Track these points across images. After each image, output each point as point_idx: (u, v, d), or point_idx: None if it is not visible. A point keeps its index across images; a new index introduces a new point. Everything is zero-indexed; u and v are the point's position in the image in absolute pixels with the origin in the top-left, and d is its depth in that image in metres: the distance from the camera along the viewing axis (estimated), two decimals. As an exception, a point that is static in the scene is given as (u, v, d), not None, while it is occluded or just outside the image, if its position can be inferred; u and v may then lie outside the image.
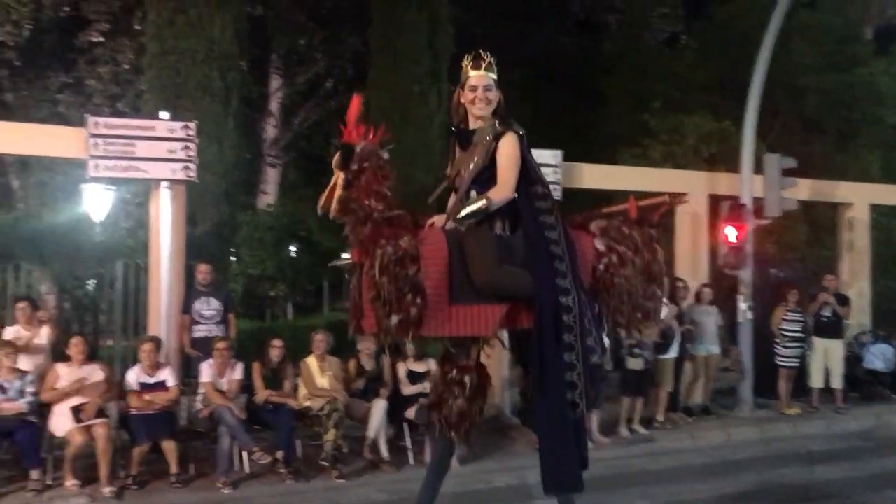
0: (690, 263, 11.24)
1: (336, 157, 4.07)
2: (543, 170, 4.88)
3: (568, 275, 4.11)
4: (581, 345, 4.09)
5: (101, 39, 13.79)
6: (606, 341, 5.32)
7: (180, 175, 8.61)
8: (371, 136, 4.15)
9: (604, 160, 12.52)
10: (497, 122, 4.26)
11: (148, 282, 8.98)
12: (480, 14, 16.42)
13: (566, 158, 10.55)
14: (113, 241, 12.67)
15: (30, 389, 7.07)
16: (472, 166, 4.21)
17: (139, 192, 14.49)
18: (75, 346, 7.31)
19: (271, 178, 18.76)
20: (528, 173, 4.22)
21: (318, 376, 7.98)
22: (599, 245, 4.40)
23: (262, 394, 7.77)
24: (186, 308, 8.74)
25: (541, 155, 8.34)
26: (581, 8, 20.46)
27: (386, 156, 4.20)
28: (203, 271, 8.90)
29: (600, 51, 19.78)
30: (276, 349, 8.08)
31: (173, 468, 7.20)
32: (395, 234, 4.03)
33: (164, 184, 8.61)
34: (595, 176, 11.25)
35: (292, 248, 16.43)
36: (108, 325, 10.81)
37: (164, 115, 8.80)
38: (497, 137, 4.19)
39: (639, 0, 20.40)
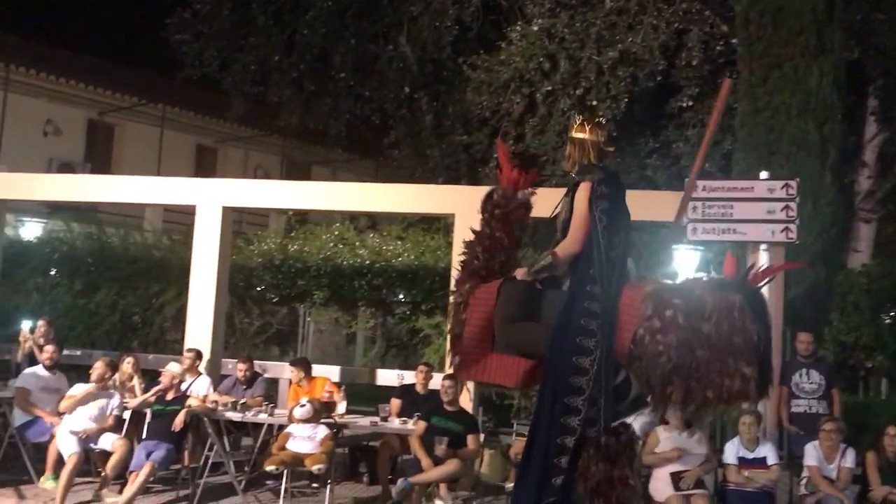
0: None
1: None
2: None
3: (596, 335, 3.87)
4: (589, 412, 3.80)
5: (690, 104, 14.13)
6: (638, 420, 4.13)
7: (779, 237, 8.17)
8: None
9: None
10: (579, 166, 4.25)
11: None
12: None
13: None
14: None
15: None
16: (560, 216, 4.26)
17: (720, 252, 14.44)
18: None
19: (864, 235, 16.96)
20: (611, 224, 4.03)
21: None
22: (646, 308, 3.81)
23: (879, 490, 6.76)
24: (785, 380, 8.17)
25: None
26: None
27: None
28: (805, 341, 8.27)
29: None
30: (891, 437, 7.00)
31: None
32: (464, 280, 4.33)
33: (762, 246, 8.25)
34: None
35: (892, 313, 14.50)
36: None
37: (763, 174, 8.49)
38: (574, 187, 4.18)
39: None
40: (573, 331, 3.91)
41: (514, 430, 8.83)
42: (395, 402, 8.73)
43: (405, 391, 8.99)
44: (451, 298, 4.44)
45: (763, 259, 8.24)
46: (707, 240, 8.49)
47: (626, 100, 14.36)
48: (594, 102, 14.35)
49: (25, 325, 9.86)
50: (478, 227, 4.57)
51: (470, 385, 8.10)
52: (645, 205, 9.23)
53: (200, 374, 9.08)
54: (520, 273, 4.23)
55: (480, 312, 4.20)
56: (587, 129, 4.31)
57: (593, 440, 3.85)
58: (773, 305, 8.25)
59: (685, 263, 13.22)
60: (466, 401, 8.40)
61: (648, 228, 14.67)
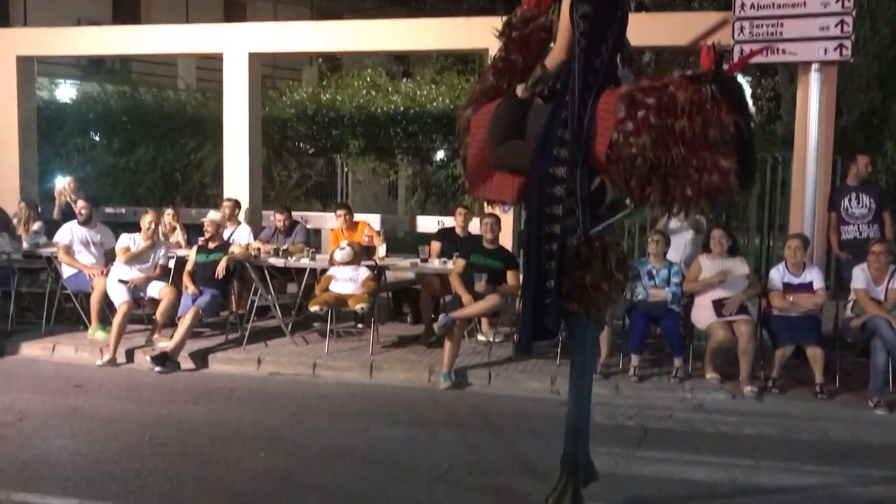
0: None
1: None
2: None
3: (570, 145, 3.75)
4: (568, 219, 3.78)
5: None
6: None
7: (833, 56, 7.69)
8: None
9: None
10: None
11: (790, 177, 8.40)
12: None
13: None
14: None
15: (675, 279, 7.18)
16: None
17: (772, 86, 13.85)
18: (719, 238, 7.14)
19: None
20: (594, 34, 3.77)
21: None
22: (620, 111, 3.62)
23: (929, 308, 6.62)
24: (834, 206, 7.92)
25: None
26: None
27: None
28: (863, 162, 7.95)
29: None
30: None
31: (818, 377, 6.64)
32: (468, 105, 4.28)
33: (813, 67, 7.80)
34: None
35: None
36: (742, 221, 10.58)
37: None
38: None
39: None
40: (550, 141, 3.85)
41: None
42: (435, 245, 8.73)
43: (445, 234, 8.97)
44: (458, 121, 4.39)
45: (814, 81, 7.83)
46: (755, 62, 8.01)
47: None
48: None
49: (59, 181, 9.95)
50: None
51: (509, 223, 8.03)
52: (684, 28, 8.73)
53: (240, 223, 9.15)
54: (519, 90, 4.11)
55: (480, 133, 4.17)
56: None
57: (572, 249, 3.84)
58: (824, 133, 7.95)
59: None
60: (507, 238, 8.35)
61: (688, 52, 14.12)
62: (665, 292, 7.15)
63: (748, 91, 3.68)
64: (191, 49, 10.45)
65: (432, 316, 8.14)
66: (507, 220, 8.35)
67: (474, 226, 8.55)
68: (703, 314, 7.07)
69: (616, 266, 3.91)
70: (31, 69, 10.55)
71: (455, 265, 7.68)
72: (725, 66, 3.66)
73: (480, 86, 4.36)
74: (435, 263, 8.27)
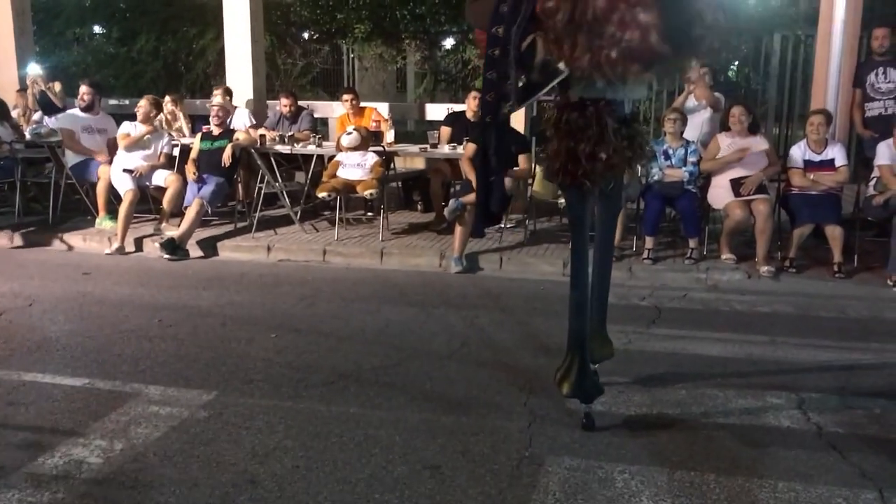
0: None
1: None
2: None
3: (510, 2, 3.42)
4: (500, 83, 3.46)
5: None
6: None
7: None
8: None
9: None
10: None
11: (813, 56, 8.06)
12: None
13: None
14: (768, 13, 11.76)
15: (692, 159, 6.97)
16: None
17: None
18: (739, 115, 6.88)
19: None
20: None
21: None
22: None
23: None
24: (858, 82, 7.61)
25: None
26: None
27: None
28: (880, 36, 7.57)
29: None
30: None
31: (836, 256, 6.51)
32: None
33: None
34: None
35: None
36: (761, 107, 10.26)
37: None
38: None
39: None
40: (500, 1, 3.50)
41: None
42: (445, 130, 8.49)
43: (455, 118, 8.72)
44: None
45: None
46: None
47: None
48: None
49: (31, 68, 9.53)
50: None
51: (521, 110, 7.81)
52: None
53: (236, 107, 8.92)
54: None
55: None
56: None
57: (555, 117, 3.60)
58: (852, 5, 7.55)
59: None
60: (518, 121, 8.11)
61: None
62: (682, 172, 6.96)
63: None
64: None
65: (443, 203, 8.00)
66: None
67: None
68: (720, 194, 6.89)
69: (618, 133, 3.56)
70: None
71: (466, 149, 7.48)
72: None
73: None
74: (445, 149, 8.07)
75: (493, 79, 3.53)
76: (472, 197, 7.07)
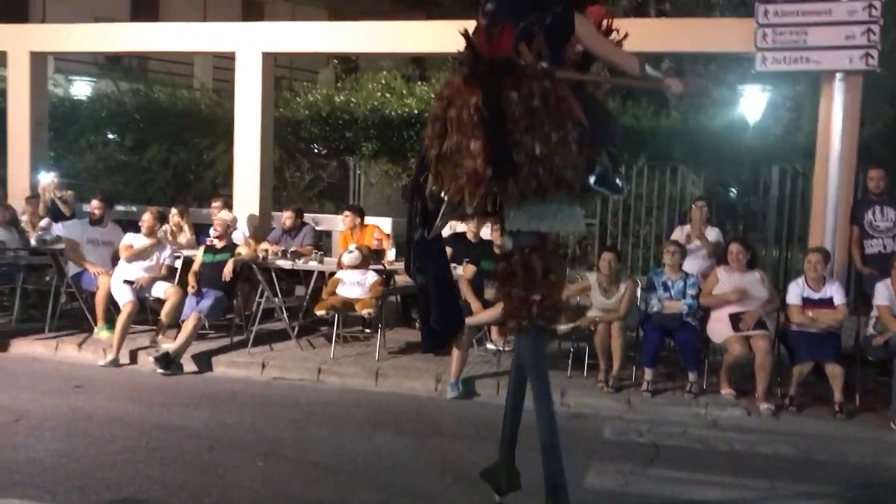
0: None
1: None
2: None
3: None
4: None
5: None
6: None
7: (858, 64, 7.50)
8: None
9: None
10: None
11: (811, 188, 8.20)
12: None
13: None
14: (766, 145, 12.05)
15: (691, 292, 6.98)
16: None
17: (794, 96, 13.60)
18: (737, 253, 6.94)
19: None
20: None
21: None
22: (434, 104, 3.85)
23: (955, 327, 6.39)
24: (857, 218, 7.70)
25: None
26: None
27: None
28: (875, 177, 7.72)
29: None
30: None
31: (837, 395, 6.41)
32: None
33: (837, 76, 7.60)
34: None
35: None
36: (760, 233, 10.38)
37: (844, -6, 7.70)
38: None
39: None
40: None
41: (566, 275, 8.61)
42: (447, 250, 8.55)
43: (456, 238, 8.77)
44: None
45: (837, 91, 7.63)
46: (779, 70, 7.80)
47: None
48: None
49: (43, 176, 9.72)
50: None
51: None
52: (718, 36, 8.57)
53: (235, 218, 9.00)
54: None
55: None
56: None
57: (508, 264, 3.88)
58: (847, 144, 7.74)
59: (752, 105, 12.52)
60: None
61: (713, 67, 13.92)
62: (681, 304, 6.96)
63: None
64: (203, 47, 10.37)
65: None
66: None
67: (487, 231, 8.37)
68: (719, 328, 6.87)
69: (546, 275, 3.84)
70: (44, 65, 10.50)
71: (465, 271, 7.52)
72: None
73: None
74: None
75: (408, 209, 4.09)
76: (471, 320, 7.08)
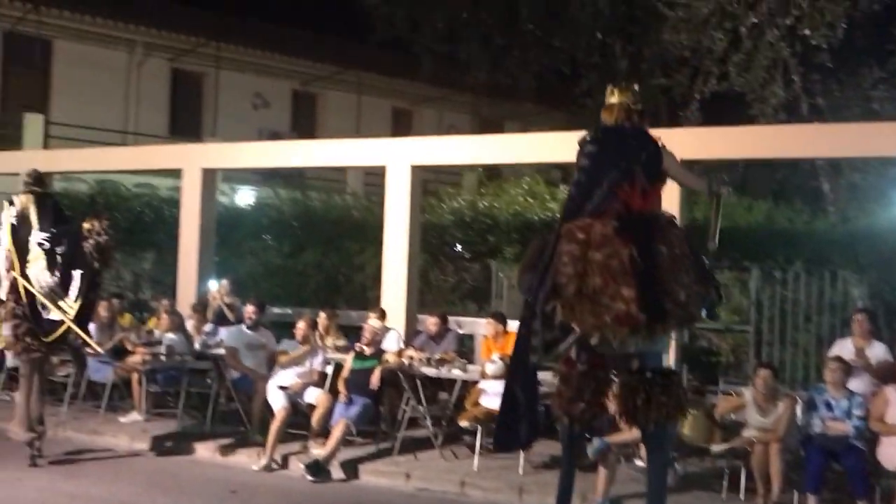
0: None
1: None
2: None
3: (537, 272, 4.39)
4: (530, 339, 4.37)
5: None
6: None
7: None
8: None
9: None
10: None
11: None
12: None
13: None
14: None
15: (857, 412, 6.52)
16: None
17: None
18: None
19: None
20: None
21: None
22: (561, 245, 4.29)
23: None
24: None
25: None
26: None
27: None
28: None
29: None
30: None
31: None
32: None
33: None
34: None
35: None
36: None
37: None
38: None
39: None
40: (530, 272, 4.55)
41: (719, 388, 8.26)
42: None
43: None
44: None
45: None
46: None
47: (845, 26, 12.92)
48: (807, 32, 13.04)
49: (212, 284, 10.41)
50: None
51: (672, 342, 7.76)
52: (869, 139, 8.26)
53: (388, 329, 9.25)
54: None
55: None
56: (616, 92, 4.87)
57: (559, 370, 4.62)
58: None
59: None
60: (669, 358, 7.95)
61: (873, 165, 13.27)
62: (846, 426, 6.50)
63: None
64: (357, 162, 11.00)
65: (586, 436, 7.79)
66: (668, 337, 7.98)
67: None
68: (892, 453, 6.35)
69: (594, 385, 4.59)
70: (214, 179, 11.40)
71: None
72: None
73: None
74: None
75: (522, 333, 4.46)
76: (617, 437, 6.88)
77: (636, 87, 4.99)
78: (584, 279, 4.12)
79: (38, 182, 7.65)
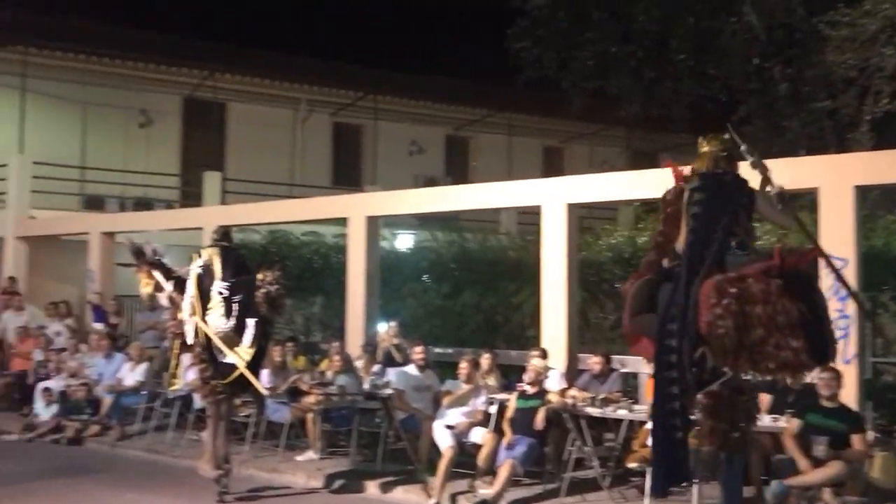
0: None
1: None
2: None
3: (678, 322, 4.72)
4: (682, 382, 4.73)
5: None
6: None
7: None
8: None
9: None
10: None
11: None
12: None
13: None
14: None
15: None
16: None
17: None
18: None
19: None
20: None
21: None
22: (711, 298, 4.56)
23: None
24: None
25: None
26: None
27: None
28: None
29: None
30: None
31: None
32: (631, 278, 5.50)
33: None
34: None
35: None
36: None
37: None
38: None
39: None
40: (667, 317, 4.79)
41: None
42: (765, 397, 8.06)
43: (775, 386, 8.27)
44: None
45: None
46: None
47: None
48: None
49: (381, 327, 10.77)
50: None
51: (852, 376, 7.34)
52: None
53: (550, 368, 9.23)
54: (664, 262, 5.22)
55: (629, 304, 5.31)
56: (706, 142, 5.32)
57: (700, 403, 4.79)
58: None
59: None
60: (850, 396, 7.49)
61: None
62: None
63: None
64: (512, 203, 11.14)
65: (763, 477, 7.45)
66: (849, 373, 7.53)
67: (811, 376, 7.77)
68: None
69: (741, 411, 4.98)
70: (377, 226, 11.90)
71: (789, 426, 7.02)
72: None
73: (644, 260, 5.38)
74: (765, 420, 7.61)
75: (673, 377, 4.75)
76: (798, 480, 6.55)
77: (726, 136, 5.40)
78: (743, 331, 4.49)
79: (224, 237, 8.27)
